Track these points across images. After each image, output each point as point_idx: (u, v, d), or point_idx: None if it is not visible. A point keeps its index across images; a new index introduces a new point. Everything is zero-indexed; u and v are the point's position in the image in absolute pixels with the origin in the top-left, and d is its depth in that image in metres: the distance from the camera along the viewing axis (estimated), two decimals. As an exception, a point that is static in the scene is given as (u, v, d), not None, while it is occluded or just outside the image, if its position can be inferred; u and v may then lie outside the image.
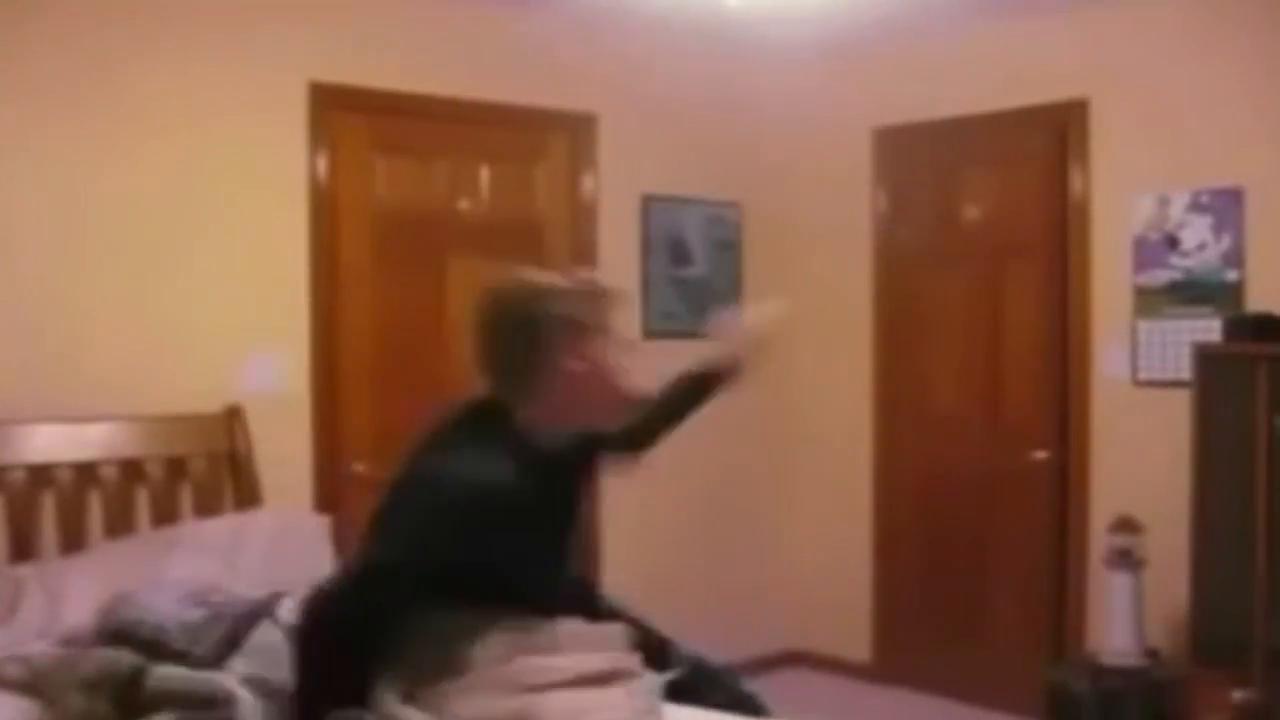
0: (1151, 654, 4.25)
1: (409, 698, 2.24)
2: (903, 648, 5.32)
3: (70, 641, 2.82)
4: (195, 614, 2.78)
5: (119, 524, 3.74)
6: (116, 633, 2.73)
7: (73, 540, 3.66)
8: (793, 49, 5.31)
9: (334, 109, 4.35)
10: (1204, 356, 4.03)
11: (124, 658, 2.60)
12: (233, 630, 2.73)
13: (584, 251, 5.00)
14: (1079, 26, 4.66)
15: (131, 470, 3.81)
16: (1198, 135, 4.39)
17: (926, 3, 4.72)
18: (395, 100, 4.48)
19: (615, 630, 2.44)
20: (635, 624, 2.53)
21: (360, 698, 2.23)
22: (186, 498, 3.92)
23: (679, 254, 5.29)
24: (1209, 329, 4.23)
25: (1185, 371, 4.13)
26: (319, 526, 3.85)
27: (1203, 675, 3.96)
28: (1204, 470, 3.96)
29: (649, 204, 5.19)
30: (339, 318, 4.40)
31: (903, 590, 5.35)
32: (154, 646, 2.66)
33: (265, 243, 4.21)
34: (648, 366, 5.47)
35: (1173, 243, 4.46)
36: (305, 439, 4.28)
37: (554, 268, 4.93)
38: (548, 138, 4.95)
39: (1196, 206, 4.39)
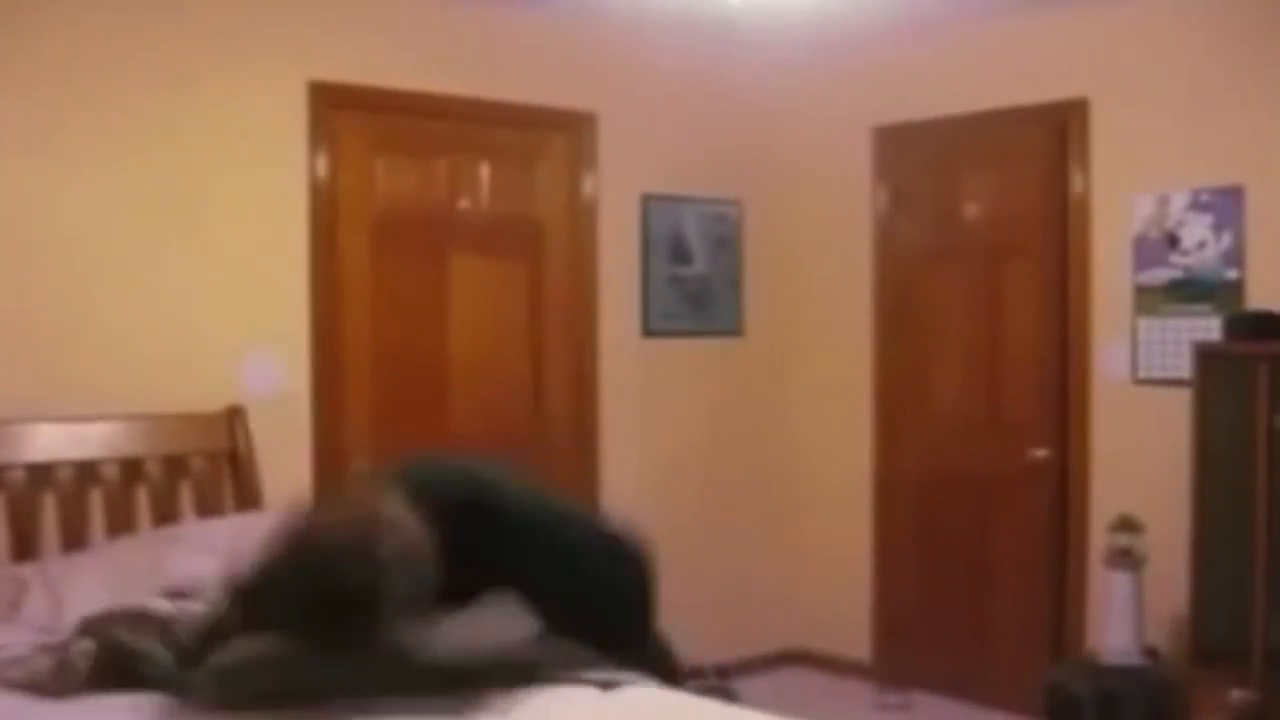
0: (1151, 654, 4.25)
1: None
2: (903, 648, 5.32)
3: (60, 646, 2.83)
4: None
5: (120, 523, 3.75)
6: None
7: (73, 539, 3.67)
8: (793, 48, 5.31)
9: (334, 109, 4.35)
10: (1204, 355, 4.03)
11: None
12: None
13: (584, 251, 5.00)
14: (1079, 26, 4.66)
15: (132, 469, 3.82)
16: (1198, 135, 4.39)
17: (927, 2, 4.72)
18: (395, 100, 4.49)
19: None
20: None
21: None
22: (187, 497, 3.92)
23: (679, 253, 5.29)
24: (1209, 328, 4.23)
25: (1185, 370, 4.13)
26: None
27: (1202, 675, 3.96)
28: (1204, 470, 3.96)
29: (649, 203, 5.18)
30: (339, 317, 4.40)
31: (903, 590, 5.35)
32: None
33: (265, 242, 4.21)
34: (648, 365, 5.51)
35: (1173, 241, 4.46)
36: (305, 439, 4.28)
37: (554, 268, 4.97)
38: (548, 137, 4.95)
39: (1196, 205, 4.39)
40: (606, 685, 2.47)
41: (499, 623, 2.41)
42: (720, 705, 2.58)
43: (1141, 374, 4.55)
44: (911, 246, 5.31)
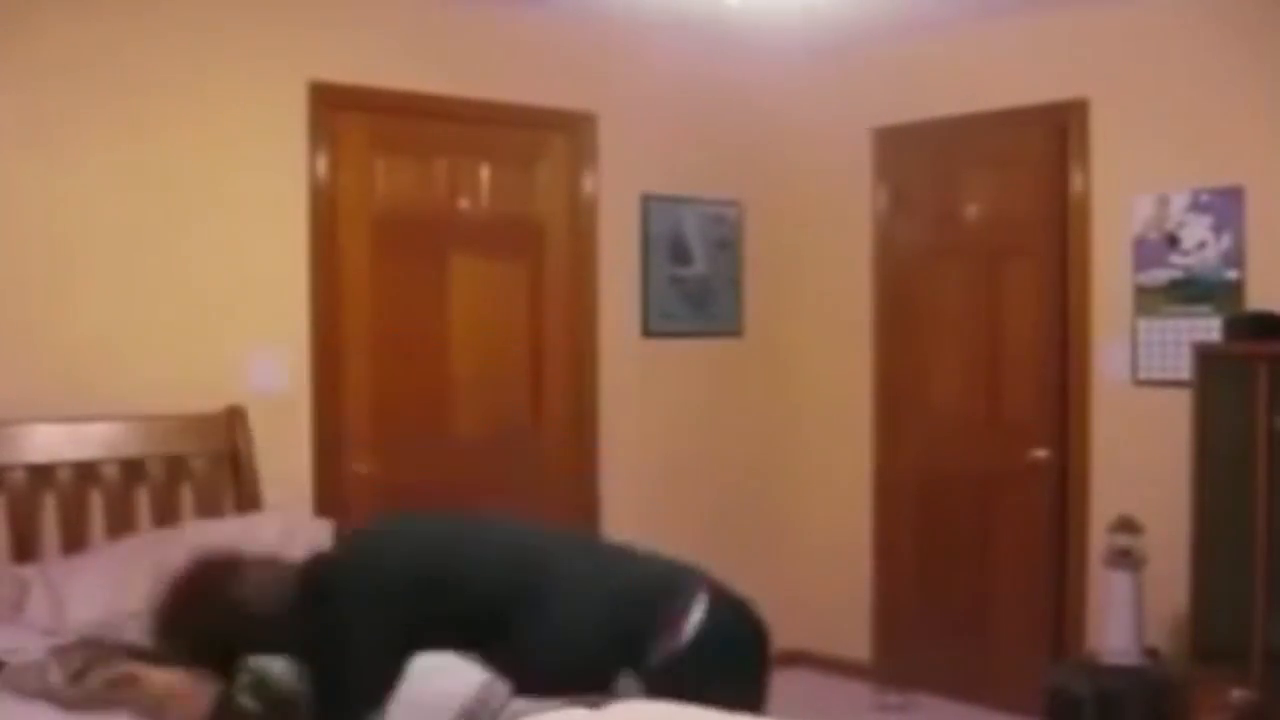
0: (1151, 654, 4.25)
1: None
2: (903, 648, 5.32)
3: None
4: None
5: (120, 524, 3.74)
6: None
7: (73, 540, 3.67)
8: (793, 48, 5.31)
9: (334, 109, 4.35)
10: (1204, 356, 4.03)
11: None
12: None
13: (584, 251, 5.00)
14: (1079, 26, 4.66)
15: (132, 470, 3.81)
16: (1198, 135, 4.39)
17: (926, 2, 4.72)
18: (395, 100, 4.48)
19: None
20: None
21: None
22: (187, 497, 3.92)
23: (679, 253, 5.29)
24: (1209, 328, 4.23)
25: (1185, 371, 4.13)
26: (322, 531, 3.85)
27: (1202, 675, 3.96)
28: (1204, 470, 3.96)
29: (649, 203, 5.18)
30: (339, 318, 4.40)
31: (903, 590, 5.35)
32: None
33: (266, 242, 4.21)
34: (648, 365, 5.51)
35: (1173, 242, 4.46)
36: (305, 439, 4.28)
37: (554, 268, 4.97)
38: (548, 137, 4.95)
39: (1196, 206, 4.39)
40: (594, 704, 2.45)
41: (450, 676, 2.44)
42: (720, 714, 2.55)
43: (1141, 374, 4.55)
44: (911, 247, 5.31)
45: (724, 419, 5.46)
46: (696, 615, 2.47)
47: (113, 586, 3.22)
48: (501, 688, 2.41)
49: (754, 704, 2.45)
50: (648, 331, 5.20)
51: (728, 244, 5.45)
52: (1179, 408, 4.10)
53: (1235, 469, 3.87)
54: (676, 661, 2.43)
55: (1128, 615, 4.23)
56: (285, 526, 3.76)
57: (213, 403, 4.00)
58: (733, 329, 5.48)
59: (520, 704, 2.40)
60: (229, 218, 4.12)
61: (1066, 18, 4.67)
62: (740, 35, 5.07)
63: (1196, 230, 4.39)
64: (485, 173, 4.80)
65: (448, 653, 2.46)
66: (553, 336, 4.96)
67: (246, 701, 2.47)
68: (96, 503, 3.76)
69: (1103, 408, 4.68)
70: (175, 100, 4.01)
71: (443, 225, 4.70)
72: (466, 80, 4.65)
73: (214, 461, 3.97)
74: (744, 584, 5.67)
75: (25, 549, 3.58)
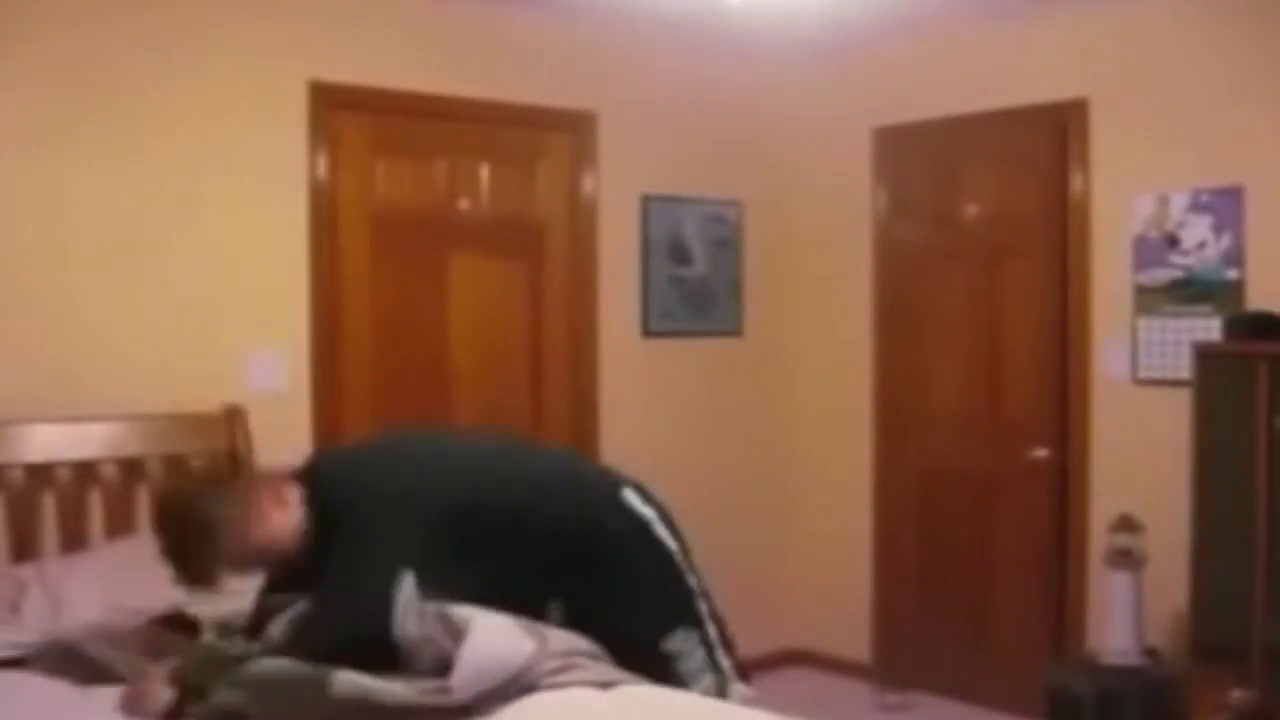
0: (1151, 654, 4.25)
1: None
2: (903, 648, 5.32)
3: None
4: None
5: (119, 523, 3.74)
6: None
7: (73, 539, 3.67)
8: (793, 48, 5.31)
9: (334, 109, 4.35)
10: (1204, 355, 4.03)
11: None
12: None
13: (584, 251, 5.00)
14: (1079, 26, 4.66)
15: (131, 469, 3.81)
16: (1198, 135, 4.39)
17: (926, 2, 4.72)
18: (395, 100, 4.49)
19: None
20: None
21: None
22: (186, 497, 3.92)
23: (679, 253, 5.29)
24: (1209, 328, 4.23)
25: (1185, 370, 4.13)
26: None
27: (1202, 675, 3.96)
28: (1204, 470, 3.96)
29: (649, 203, 5.19)
30: (339, 318, 4.40)
31: (903, 590, 5.35)
32: None
33: (266, 242, 4.21)
34: (648, 365, 5.51)
35: (1173, 241, 4.46)
36: (305, 439, 4.27)
37: (554, 268, 4.97)
38: (548, 137, 4.95)
39: (1196, 205, 4.39)
40: (605, 685, 2.47)
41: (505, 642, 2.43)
42: (719, 704, 2.57)
43: (1141, 374, 4.55)
44: (911, 247, 5.31)
45: (724, 419, 5.46)
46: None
47: (111, 586, 3.22)
48: (543, 658, 2.43)
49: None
50: (648, 331, 5.20)
51: (728, 244, 5.46)
52: (1179, 407, 4.10)
53: (1235, 469, 3.87)
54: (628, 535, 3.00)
55: (1128, 615, 4.23)
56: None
57: (212, 402, 4.00)
58: (733, 329, 5.48)
59: (547, 664, 2.42)
60: (229, 217, 4.12)
61: (1066, 18, 4.67)
62: (740, 35, 5.07)
63: (1196, 230, 4.39)
64: (485, 173, 4.80)
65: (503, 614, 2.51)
66: (553, 336, 4.96)
67: (229, 695, 2.45)
68: (95, 502, 3.76)
69: (1103, 407, 4.68)
70: (175, 100, 4.01)
71: (443, 225, 4.70)
72: (466, 80, 4.65)
73: (214, 461, 3.96)
74: (744, 583, 5.69)
75: (24, 549, 3.58)
